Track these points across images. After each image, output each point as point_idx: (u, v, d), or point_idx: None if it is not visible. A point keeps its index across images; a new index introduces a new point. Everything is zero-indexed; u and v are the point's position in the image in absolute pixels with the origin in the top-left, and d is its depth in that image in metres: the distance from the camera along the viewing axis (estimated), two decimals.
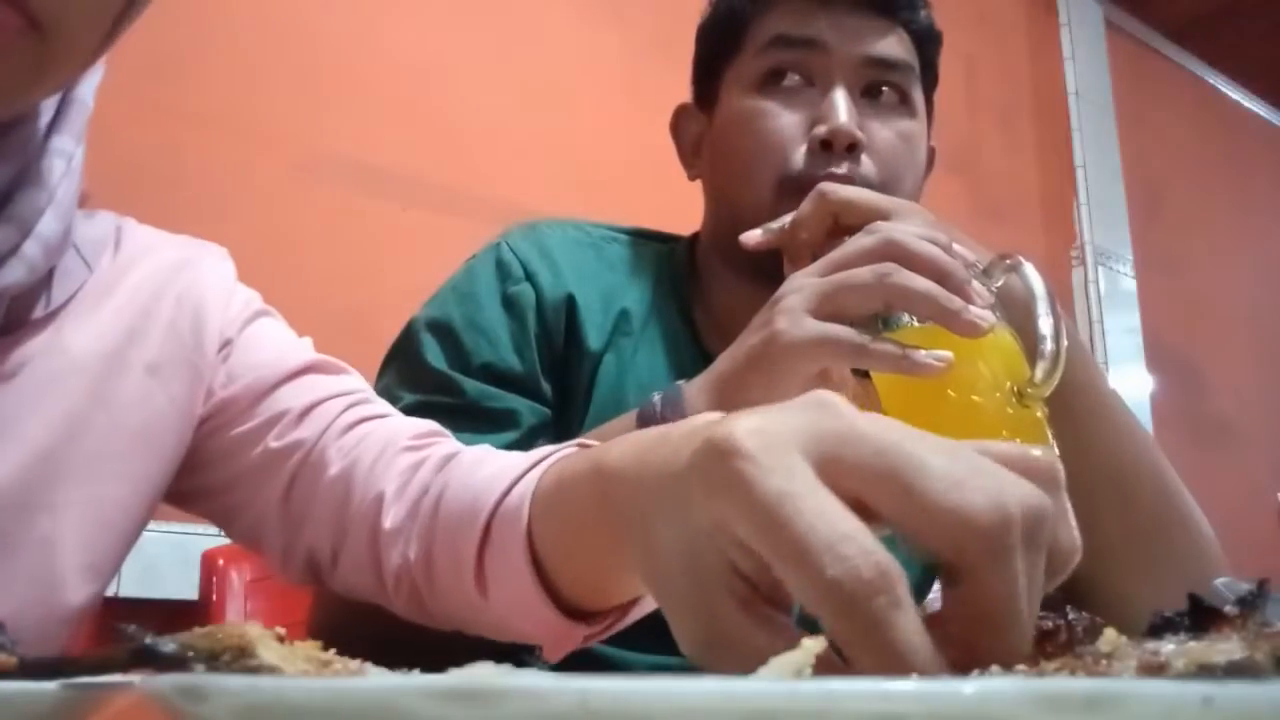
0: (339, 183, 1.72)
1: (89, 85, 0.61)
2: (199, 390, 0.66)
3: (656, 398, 0.67)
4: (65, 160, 0.59)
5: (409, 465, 0.61)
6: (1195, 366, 3.30)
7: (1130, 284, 3.14)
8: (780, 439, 0.29)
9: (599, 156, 1.98)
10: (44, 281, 0.60)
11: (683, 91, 0.96)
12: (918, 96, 0.87)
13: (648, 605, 0.52)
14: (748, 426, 0.29)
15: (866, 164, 0.81)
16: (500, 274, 0.85)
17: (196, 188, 1.56)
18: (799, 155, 0.81)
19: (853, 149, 0.80)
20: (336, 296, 1.61)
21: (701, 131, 0.92)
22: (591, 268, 0.88)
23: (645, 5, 2.15)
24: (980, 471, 0.28)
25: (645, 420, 0.66)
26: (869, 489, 0.28)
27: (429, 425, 0.66)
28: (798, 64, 0.83)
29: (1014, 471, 0.29)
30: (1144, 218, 3.25)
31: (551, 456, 0.54)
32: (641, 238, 0.95)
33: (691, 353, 0.87)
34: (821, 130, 0.80)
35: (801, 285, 0.62)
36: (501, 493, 0.53)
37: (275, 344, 0.69)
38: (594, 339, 0.84)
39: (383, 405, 0.68)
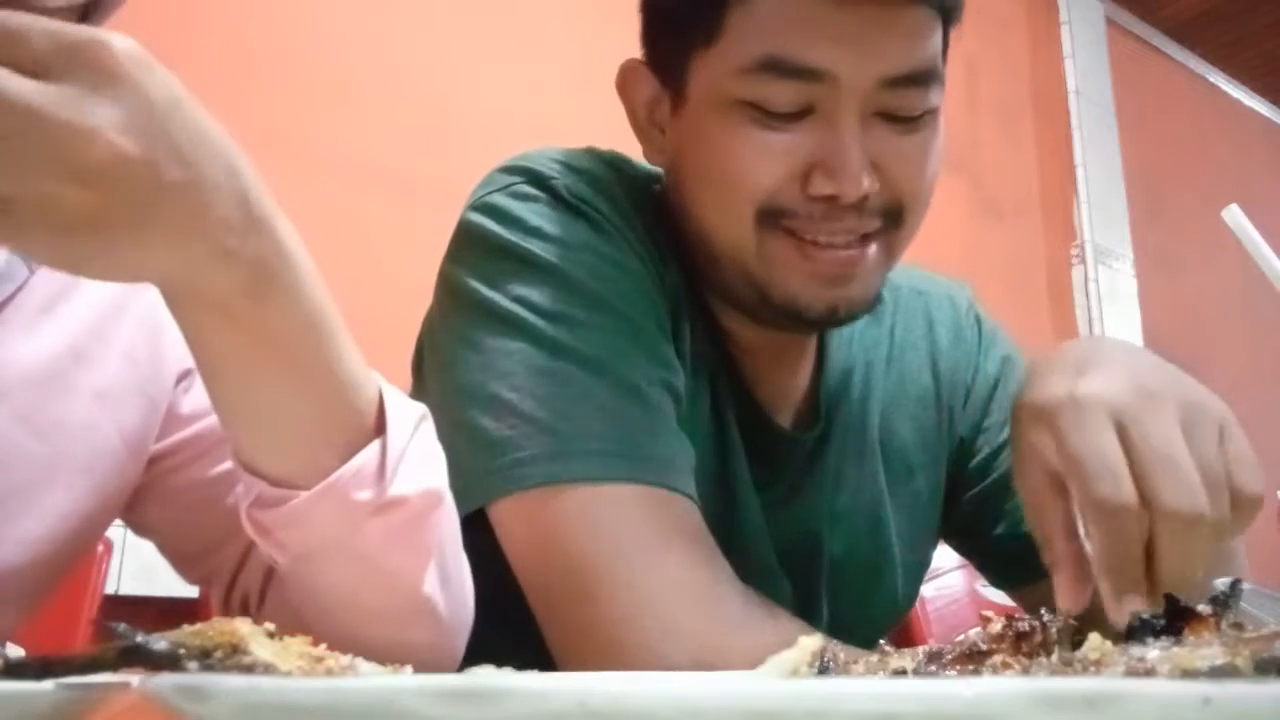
0: (339, 183, 1.72)
1: None
2: (153, 421, 0.63)
3: None
4: None
5: None
6: (1194, 365, 3.27)
7: (1130, 283, 3.14)
8: None
9: None
10: None
11: None
12: (940, 95, 0.71)
13: None
14: None
15: (876, 200, 0.68)
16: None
17: None
18: (790, 194, 0.68)
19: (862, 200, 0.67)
20: (335, 296, 1.60)
21: (657, 99, 0.77)
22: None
23: None
24: None
25: None
26: None
27: None
28: (795, 96, 0.66)
29: None
30: (1144, 217, 3.25)
31: None
32: None
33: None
34: (825, 188, 0.66)
35: None
36: None
37: None
38: None
39: None
